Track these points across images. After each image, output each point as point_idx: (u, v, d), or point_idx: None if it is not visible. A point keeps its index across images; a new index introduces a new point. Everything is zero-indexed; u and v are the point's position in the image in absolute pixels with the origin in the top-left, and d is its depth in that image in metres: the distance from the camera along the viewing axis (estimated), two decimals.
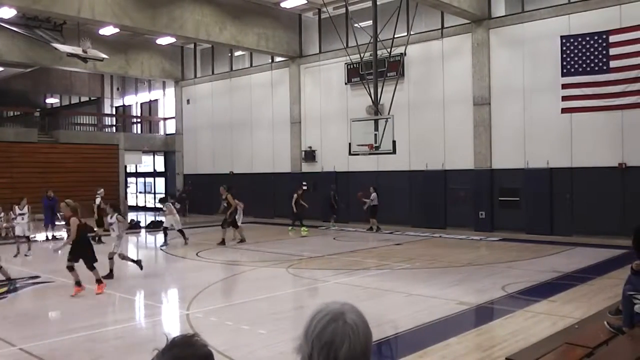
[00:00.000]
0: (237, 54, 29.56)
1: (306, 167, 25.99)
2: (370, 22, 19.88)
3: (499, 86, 20.14)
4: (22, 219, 16.61)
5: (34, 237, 18.76)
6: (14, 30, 22.35)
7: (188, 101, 32.13)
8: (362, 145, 18.45)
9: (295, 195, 21.51)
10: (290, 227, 21.55)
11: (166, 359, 1.57)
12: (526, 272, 12.56)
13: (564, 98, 17.84)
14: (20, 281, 12.33)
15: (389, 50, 19.32)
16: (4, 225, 20.52)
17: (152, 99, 36.25)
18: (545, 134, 19.03)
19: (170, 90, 33.72)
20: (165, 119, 34.93)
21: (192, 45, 30.89)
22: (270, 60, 27.73)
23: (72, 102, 41.14)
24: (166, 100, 34.76)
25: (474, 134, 20.61)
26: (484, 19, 20.27)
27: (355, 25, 20.75)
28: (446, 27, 21.58)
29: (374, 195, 21.11)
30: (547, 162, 18.97)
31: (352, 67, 23.06)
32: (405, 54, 21.04)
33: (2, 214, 20.61)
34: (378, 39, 18.98)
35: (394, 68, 20.54)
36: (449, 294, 10.55)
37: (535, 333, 7.67)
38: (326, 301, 1.64)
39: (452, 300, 9.96)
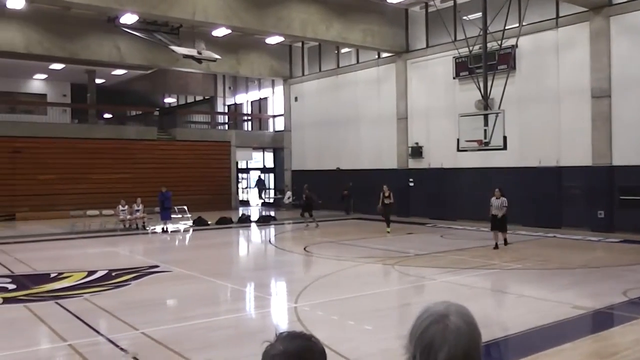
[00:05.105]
0: (343, 51, 29.78)
1: (412, 164, 25.72)
2: (479, 14, 19.32)
3: (620, 77, 18.85)
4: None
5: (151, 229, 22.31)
6: (136, 35, 23.84)
7: (296, 99, 32.80)
8: (470, 141, 17.98)
9: (308, 193, 23.07)
10: (306, 224, 22.99)
11: (287, 347, 1.51)
12: None
13: None
14: (141, 270, 13.21)
15: (499, 42, 18.67)
16: (128, 217, 22.25)
17: (261, 97, 37.38)
18: None
19: (279, 88, 34.59)
20: (274, 116, 35.91)
21: (299, 44, 31.49)
22: (376, 56, 27.69)
23: (188, 101, 43.33)
24: (275, 98, 35.71)
25: (591, 128, 19.46)
26: (604, 6, 19.03)
27: (464, 18, 20.23)
28: (561, 17, 20.50)
29: (493, 199, 16.37)
30: None
31: (460, 60, 22.51)
32: (516, 46, 20.18)
33: (126, 207, 22.40)
34: (488, 31, 18.40)
35: (504, 61, 19.84)
36: (562, 296, 10.05)
37: None
38: (435, 300, 1.61)
39: (565, 303, 9.48)
